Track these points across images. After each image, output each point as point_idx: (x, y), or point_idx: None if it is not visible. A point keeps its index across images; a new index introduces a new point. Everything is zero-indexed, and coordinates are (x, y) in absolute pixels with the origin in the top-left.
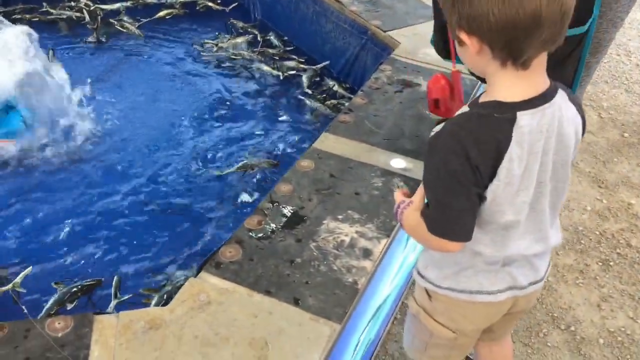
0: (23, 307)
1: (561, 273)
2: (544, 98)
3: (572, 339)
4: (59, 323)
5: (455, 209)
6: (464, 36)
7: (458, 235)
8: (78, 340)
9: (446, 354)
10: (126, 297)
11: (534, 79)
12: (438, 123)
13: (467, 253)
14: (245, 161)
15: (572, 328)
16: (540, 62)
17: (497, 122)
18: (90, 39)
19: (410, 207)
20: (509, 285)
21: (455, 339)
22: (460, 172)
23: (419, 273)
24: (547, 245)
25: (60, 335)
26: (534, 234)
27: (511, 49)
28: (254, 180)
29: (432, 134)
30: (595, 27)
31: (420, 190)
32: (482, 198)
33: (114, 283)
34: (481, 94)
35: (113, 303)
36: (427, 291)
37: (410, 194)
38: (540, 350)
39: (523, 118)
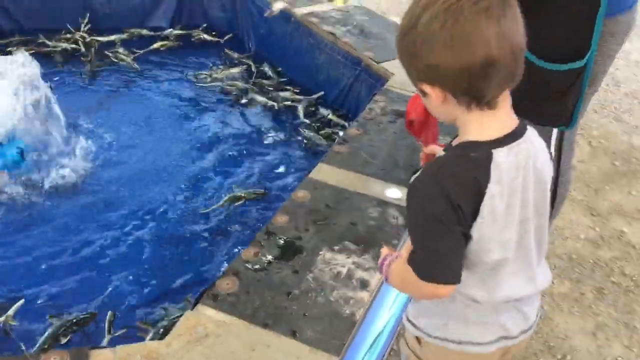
0: (21, 344)
1: (556, 302)
2: (516, 135)
3: None
4: (54, 358)
5: (441, 251)
6: (426, 88)
7: (446, 277)
8: None
9: None
10: (120, 331)
11: (502, 117)
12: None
13: (459, 301)
14: (232, 193)
15: (569, 357)
16: (504, 100)
17: (474, 160)
18: (85, 70)
19: (398, 260)
20: (499, 335)
21: None
22: (441, 212)
23: (409, 321)
24: (536, 286)
25: None
26: (523, 274)
27: (472, 92)
28: (246, 210)
29: (411, 180)
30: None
31: (408, 243)
32: (467, 237)
33: (107, 318)
34: (453, 139)
35: (107, 338)
36: (417, 337)
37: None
38: None
39: (499, 155)
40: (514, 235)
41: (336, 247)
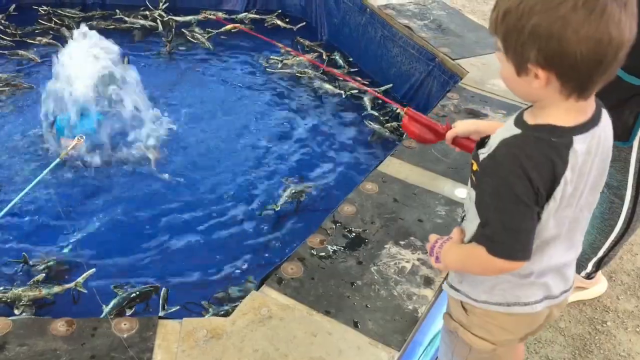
0: (103, 305)
1: (621, 319)
2: (594, 121)
3: None
4: (124, 324)
5: (519, 229)
6: (538, 71)
7: (524, 254)
8: (142, 342)
9: None
10: (173, 308)
11: (587, 105)
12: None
13: None
14: (292, 190)
15: None
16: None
17: (555, 146)
18: (163, 50)
19: (450, 242)
20: (544, 295)
21: (494, 350)
22: (523, 193)
23: (452, 287)
24: (577, 253)
25: (125, 336)
26: (568, 243)
27: (583, 84)
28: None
29: (484, 156)
30: None
31: (457, 228)
32: (540, 218)
33: (161, 294)
34: (523, 112)
35: (161, 314)
36: (462, 305)
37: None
38: None
39: (578, 142)
40: (570, 213)
41: (402, 242)
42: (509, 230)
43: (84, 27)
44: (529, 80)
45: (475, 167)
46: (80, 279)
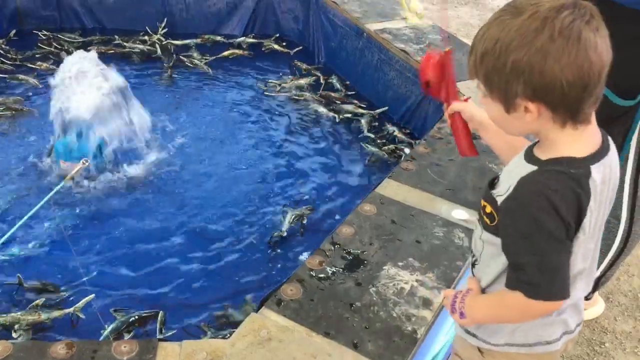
0: (106, 325)
1: (619, 340)
2: (605, 149)
3: None
4: (124, 346)
5: (560, 268)
6: (527, 104)
7: (564, 293)
8: None
9: None
10: (170, 332)
11: (593, 132)
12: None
13: None
14: (294, 214)
15: None
16: (593, 115)
17: (575, 178)
18: (164, 75)
19: (471, 294)
20: (563, 331)
21: None
22: (556, 229)
23: (468, 333)
24: (591, 284)
25: (125, 358)
26: (589, 277)
27: (573, 109)
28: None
29: (502, 199)
30: None
31: (472, 279)
32: (571, 253)
33: (159, 318)
34: (531, 148)
35: (158, 337)
36: (479, 349)
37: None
38: None
39: (595, 172)
40: (592, 245)
41: (400, 263)
42: (546, 270)
43: (84, 52)
44: (520, 116)
45: (488, 208)
46: (79, 304)
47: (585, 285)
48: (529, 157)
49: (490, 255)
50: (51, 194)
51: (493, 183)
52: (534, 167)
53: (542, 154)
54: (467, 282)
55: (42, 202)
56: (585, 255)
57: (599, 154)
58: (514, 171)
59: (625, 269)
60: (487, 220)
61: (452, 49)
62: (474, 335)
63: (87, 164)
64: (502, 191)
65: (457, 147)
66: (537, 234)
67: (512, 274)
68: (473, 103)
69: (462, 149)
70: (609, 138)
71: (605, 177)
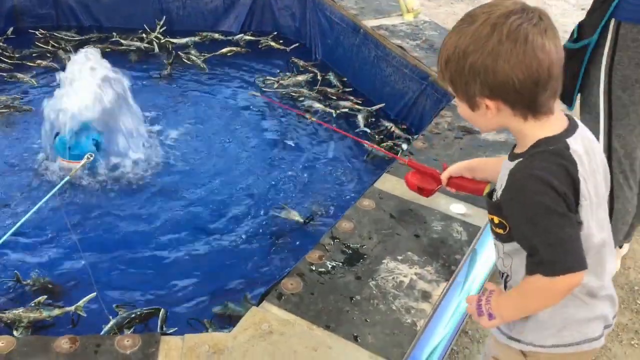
0: (110, 317)
1: (616, 332)
2: (573, 126)
3: None
4: (127, 341)
5: (565, 240)
6: (487, 102)
7: (580, 262)
8: (145, 358)
9: None
10: (172, 330)
11: (557, 117)
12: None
13: (571, 302)
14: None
15: None
16: (556, 105)
17: (556, 152)
18: (164, 73)
19: (494, 294)
20: (604, 325)
21: None
22: (553, 203)
23: (511, 338)
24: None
25: (128, 352)
26: (612, 249)
27: (532, 103)
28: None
29: (501, 194)
30: (617, 60)
31: (489, 282)
32: (579, 224)
33: (160, 315)
34: (511, 153)
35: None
36: (523, 353)
37: None
38: None
39: (572, 143)
40: (603, 214)
41: (399, 257)
42: (555, 245)
43: (86, 49)
44: (483, 113)
45: (496, 219)
46: (80, 303)
47: (614, 259)
48: (512, 156)
49: (518, 264)
50: (55, 189)
51: (491, 195)
52: (519, 160)
53: (521, 148)
54: (486, 287)
55: (45, 198)
56: (600, 224)
57: (570, 130)
58: (503, 174)
59: (622, 262)
60: (501, 231)
61: (409, 158)
62: (518, 341)
63: (91, 158)
64: (498, 191)
65: (474, 194)
66: (539, 214)
67: (529, 260)
68: (450, 167)
69: (477, 192)
70: (575, 119)
71: (586, 147)
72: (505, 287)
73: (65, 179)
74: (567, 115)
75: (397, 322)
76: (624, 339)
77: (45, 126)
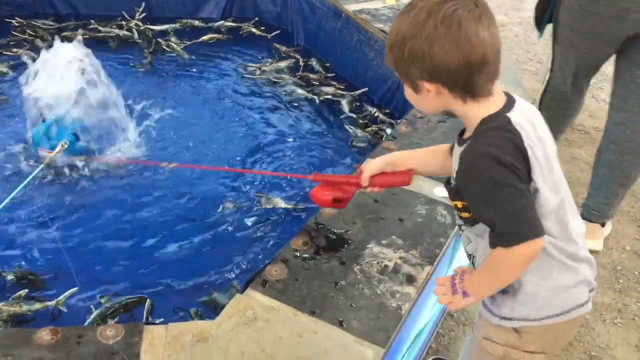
0: (93, 308)
1: (599, 311)
2: (511, 101)
3: None
4: (110, 331)
5: (521, 209)
6: (427, 85)
7: (535, 230)
8: (128, 348)
9: None
10: (157, 321)
11: (496, 98)
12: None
13: (555, 267)
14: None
15: None
16: (495, 87)
17: (499, 127)
18: (145, 61)
19: (467, 273)
20: (588, 289)
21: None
22: (503, 176)
23: (503, 318)
24: (583, 225)
25: (111, 342)
26: (575, 212)
27: (468, 86)
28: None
29: (455, 176)
30: None
31: (457, 268)
32: (534, 192)
33: (146, 306)
34: (461, 136)
35: None
36: (515, 330)
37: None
38: None
39: (513, 116)
40: (558, 178)
41: (383, 242)
42: (508, 217)
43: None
44: (425, 95)
45: (459, 204)
46: (61, 298)
47: (578, 221)
48: (460, 142)
49: (484, 246)
50: (31, 176)
51: (449, 181)
52: (467, 143)
53: (468, 133)
54: (456, 271)
55: (22, 185)
56: (555, 187)
57: (509, 105)
58: (455, 158)
59: (604, 242)
60: (467, 215)
61: (314, 173)
62: (509, 319)
63: (66, 145)
64: (454, 176)
65: (401, 185)
66: (490, 189)
67: (490, 234)
68: (365, 164)
69: (404, 183)
70: (513, 95)
71: (527, 118)
72: (474, 267)
73: (40, 166)
74: (504, 92)
75: (382, 307)
76: (607, 318)
77: (24, 116)
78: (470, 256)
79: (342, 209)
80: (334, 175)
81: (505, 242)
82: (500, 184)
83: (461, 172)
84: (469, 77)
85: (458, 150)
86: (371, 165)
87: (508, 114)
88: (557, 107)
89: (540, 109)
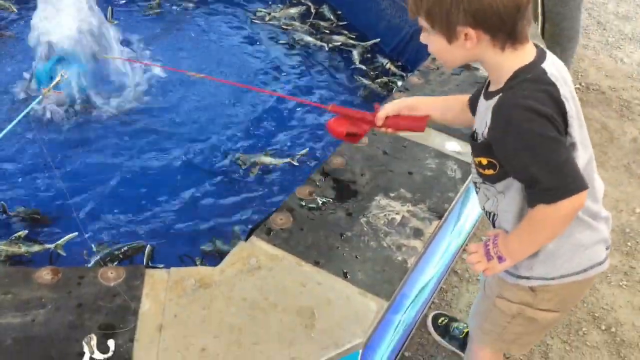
0: (93, 247)
1: (605, 273)
2: (543, 53)
3: (612, 341)
4: (111, 273)
5: (564, 162)
6: (468, 30)
7: (580, 183)
8: (129, 291)
9: (540, 335)
10: (159, 266)
11: (529, 46)
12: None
13: (576, 226)
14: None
15: (613, 329)
16: (528, 34)
17: (535, 79)
18: (153, 4)
19: (500, 237)
20: (606, 246)
21: (555, 318)
22: (546, 129)
23: (520, 277)
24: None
25: (112, 284)
26: (596, 173)
27: (510, 31)
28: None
29: (487, 131)
30: None
31: (492, 230)
32: (570, 146)
33: (146, 252)
34: (485, 90)
35: None
36: (530, 288)
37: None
38: (579, 348)
39: (548, 67)
40: (585, 133)
41: (391, 194)
42: (553, 171)
43: None
44: (461, 44)
45: (484, 160)
46: (61, 241)
47: (597, 177)
48: (488, 95)
49: (507, 203)
50: (30, 107)
51: (473, 136)
52: (498, 96)
53: (497, 85)
54: (488, 235)
55: (20, 116)
56: (584, 143)
57: (542, 56)
58: (482, 113)
59: (613, 205)
60: (491, 172)
61: (332, 105)
62: (527, 278)
63: (65, 76)
64: (482, 131)
65: (414, 130)
66: (532, 141)
67: (529, 191)
68: (384, 106)
69: (418, 129)
70: (542, 46)
71: (560, 72)
72: (494, 226)
73: (39, 97)
74: (534, 43)
75: (387, 259)
76: (613, 280)
77: (28, 55)
78: (490, 214)
79: (351, 162)
80: (351, 110)
81: (553, 197)
82: (543, 135)
83: (497, 127)
84: (515, 20)
85: (485, 104)
86: (388, 106)
87: (543, 65)
88: None
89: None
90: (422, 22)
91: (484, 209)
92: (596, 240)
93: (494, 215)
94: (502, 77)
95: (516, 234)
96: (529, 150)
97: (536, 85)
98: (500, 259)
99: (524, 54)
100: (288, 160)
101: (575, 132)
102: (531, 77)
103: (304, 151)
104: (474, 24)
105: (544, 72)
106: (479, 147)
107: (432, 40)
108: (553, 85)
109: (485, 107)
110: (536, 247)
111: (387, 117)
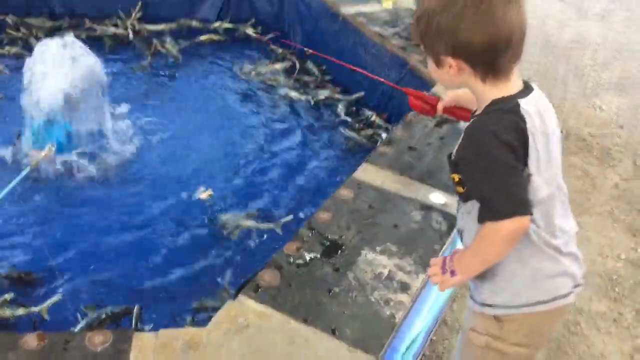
0: (79, 316)
1: (594, 320)
2: (528, 89)
3: None
4: (99, 337)
5: (513, 186)
6: (450, 60)
7: (524, 207)
8: (117, 355)
9: None
10: (147, 327)
11: (514, 82)
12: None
13: (538, 256)
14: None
15: None
16: (514, 72)
17: (508, 110)
18: (143, 63)
19: (458, 253)
20: (573, 284)
21: (527, 355)
22: (503, 155)
23: (484, 304)
24: (574, 225)
25: (99, 349)
26: (566, 210)
27: (491, 65)
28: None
29: (455, 150)
30: None
31: (456, 251)
32: (526, 177)
33: (134, 313)
34: (475, 111)
35: None
36: (495, 318)
37: None
38: None
39: (524, 102)
40: (554, 172)
41: (378, 248)
42: (501, 192)
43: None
44: (447, 71)
45: (456, 178)
46: (44, 305)
47: (567, 217)
48: (472, 117)
49: (472, 221)
50: (17, 179)
51: (450, 155)
52: (474, 118)
53: (479, 110)
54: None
55: (8, 188)
56: (548, 181)
57: (524, 92)
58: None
59: (599, 250)
60: (461, 189)
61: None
62: (490, 306)
63: (53, 149)
64: (456, 149)
65: (462, 119)
66: (488, 163)
67: (480, 209)
68: (445, 99)
69: (465, 118)
70: (534, 85)
71: (539, 109)
72: (462, 242)
73: (26, 170)
74: (524, 81)
75: (375, 314)
76: (602, 327)
77: (15, 115)
78: (460, 232)
79: (337, 216)
80: (420, 92)
81: (494, 216)
82: (498, 158)
83: (461, 145)
84: (493, 57)
85: (465, 125)
86: (446, 100)
87: (520, 100)
88: None
89: None
90: (421, 46)
91: (457, 228)
92: (558, 272)
93: (462, 232)
94: (482, 104)
95: (467, 250)
96: (484, 170)
97: (506, 115)
98: (452, 273)
99: (506, 88)
100: (272, 226)
101: (534, 166)
102: (505, 108)
103: (288, 217)
104: (453, 55)
105: (517, 106)
106: (451, 164)
107: (428, 62)
108: (522, 119)
109: (464, 128)
110: (484, 264)
111: (445, 106)
